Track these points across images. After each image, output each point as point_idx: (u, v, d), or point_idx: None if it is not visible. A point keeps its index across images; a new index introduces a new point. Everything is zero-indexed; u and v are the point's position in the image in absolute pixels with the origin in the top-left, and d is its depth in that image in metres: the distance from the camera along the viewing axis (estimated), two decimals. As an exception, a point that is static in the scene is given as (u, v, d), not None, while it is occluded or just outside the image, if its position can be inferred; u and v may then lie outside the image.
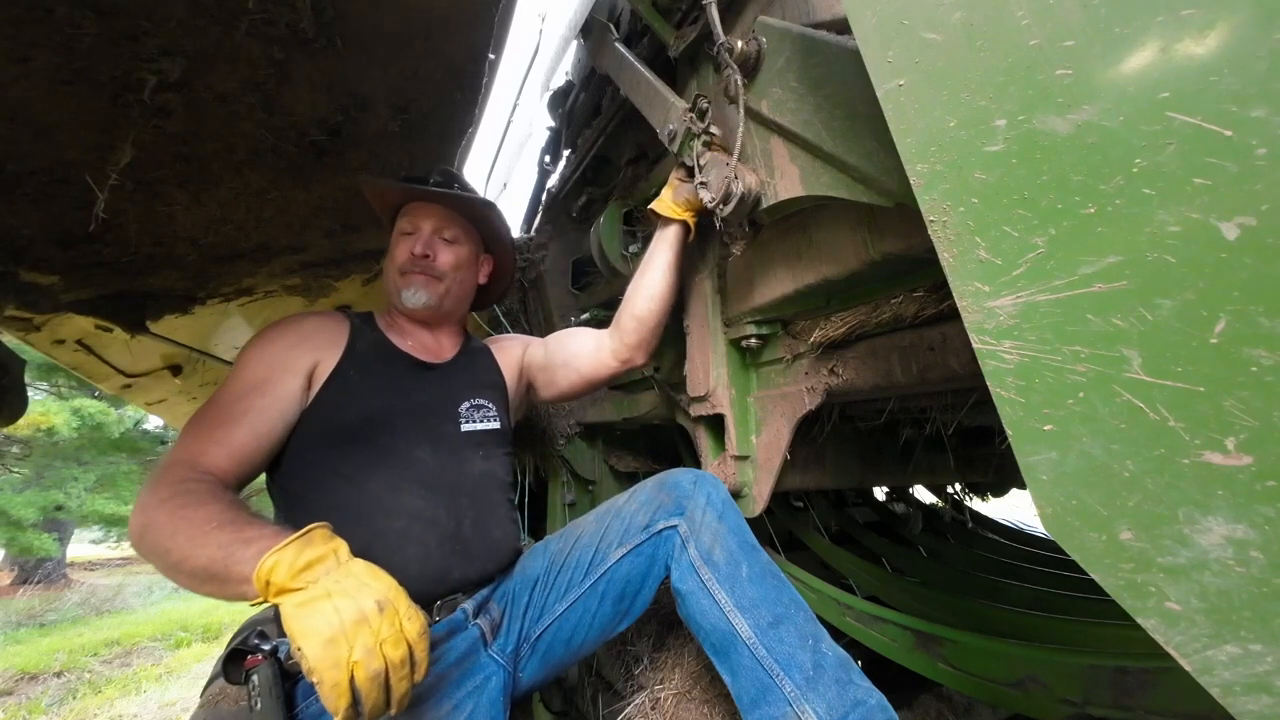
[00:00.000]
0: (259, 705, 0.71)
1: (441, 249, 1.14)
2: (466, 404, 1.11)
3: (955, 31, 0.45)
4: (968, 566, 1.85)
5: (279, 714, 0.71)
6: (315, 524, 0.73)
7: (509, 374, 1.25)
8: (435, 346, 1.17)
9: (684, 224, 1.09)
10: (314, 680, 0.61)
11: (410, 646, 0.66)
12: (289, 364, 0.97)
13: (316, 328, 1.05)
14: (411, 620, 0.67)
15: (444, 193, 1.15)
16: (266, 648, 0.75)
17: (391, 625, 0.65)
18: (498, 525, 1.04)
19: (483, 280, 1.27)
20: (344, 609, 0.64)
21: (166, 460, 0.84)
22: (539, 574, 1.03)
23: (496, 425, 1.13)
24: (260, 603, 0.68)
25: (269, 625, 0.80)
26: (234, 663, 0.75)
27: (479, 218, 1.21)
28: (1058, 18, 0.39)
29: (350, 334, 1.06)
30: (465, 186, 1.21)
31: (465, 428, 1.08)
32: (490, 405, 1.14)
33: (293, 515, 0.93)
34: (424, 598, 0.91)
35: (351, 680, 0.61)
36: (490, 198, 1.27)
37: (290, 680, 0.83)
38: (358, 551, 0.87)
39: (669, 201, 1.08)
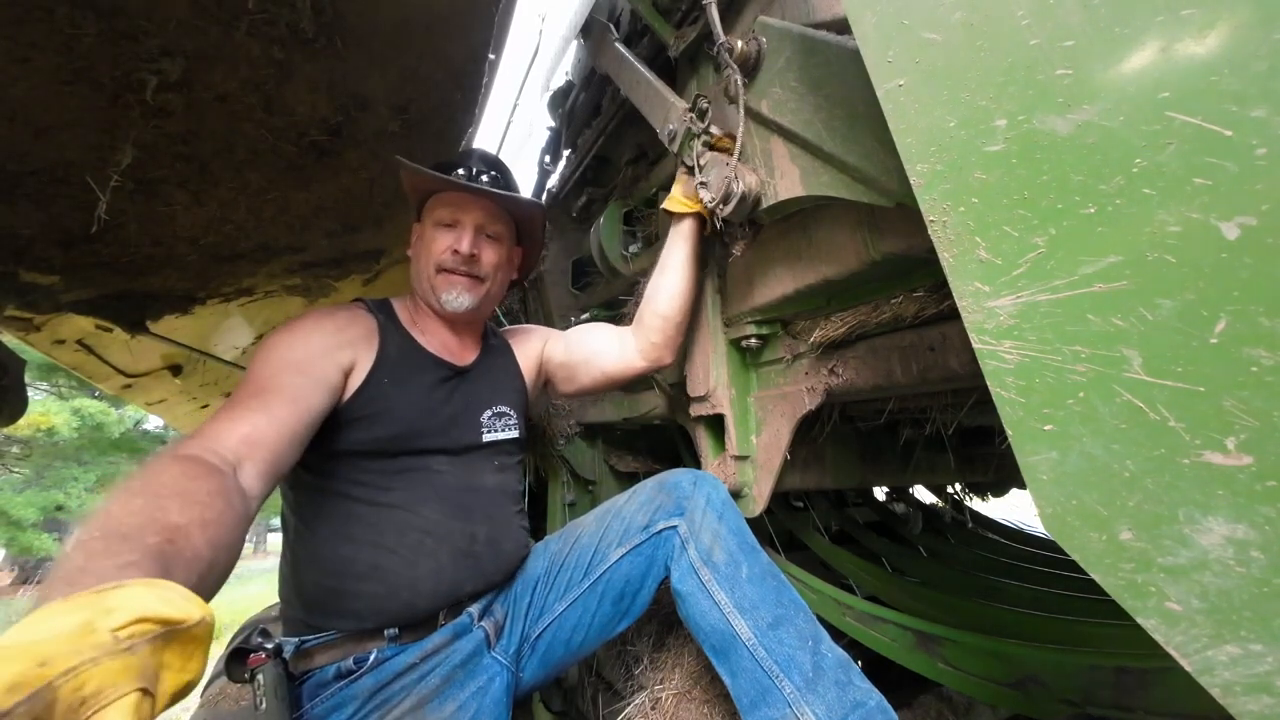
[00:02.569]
0: (264, 705, 0.71)
1: (486, 247, 1.07)
2: (489, 412, 1.07)
3: (955, 31, 0.45)
4: (968, 566, 1.85)
5: (284, 714, 0.72)
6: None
7: (528, 372, 1.21)
8: (459, 347, 1.11)
9: (697, 218, 1.06)
10: None
11: None
12: (330, 351, 0.90)
13: (350, 322, 0.98)
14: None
15: (502, 194, 1.06)
16: (270, 646, 0.75)
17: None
18: (510, 539, 1.03)
19: (514, 275, 1.20)
20: None
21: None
22: (539, 574, 1.03)
23: (515, 434, 1.10)
24: None
25: (271, 624, 0.80)
26: (237, 661, 0.75)
27: (522, 215, 1.14)
28: (1058, 17, 0.39)
29: (379, 334, 1.00)
30: (504, 171, 1.13)
31: (487, 438, 1.05)
32: (511, 412, 1.11)
33: (308, 523, 0.91)
34: (431, 610, 0.91)
35: None
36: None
37: (295, 680, 0.83)
38: (369, 567, 0.86)
39: (679, 197, 1.05)
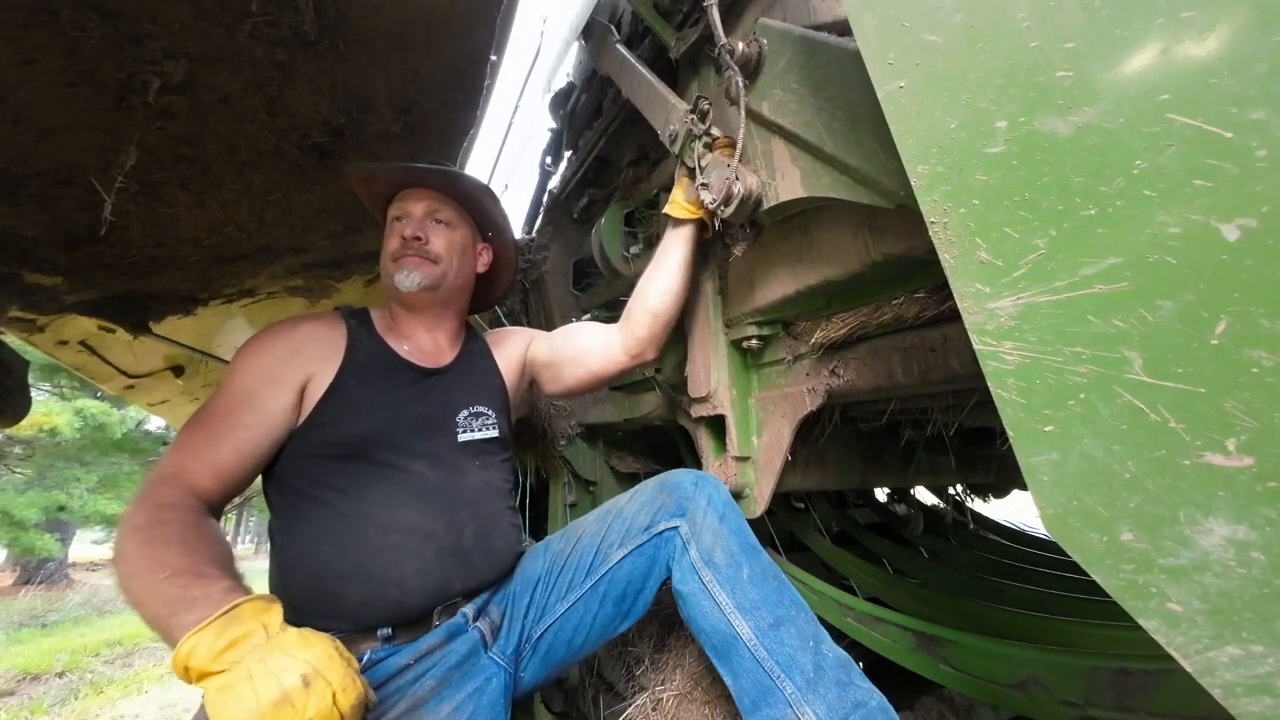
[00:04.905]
0: None
1: (434, 231, 1.10)
2: (464, 412, 1.07)
3: (956, 33, 0.45)
4: (969, 568, 1.85)
5: None
6: (248, 597, 0.69)
7: (510, 373, 1.22)
8: (434, 349, 1.13)
9: (698, 223, 1.08)
10: None
11: None
12: (279, 377, 0.94)
13: (309, 336, 1.01)
14: (347, 691, 0.64)
15: (432, 169, 1.11)
16: None
17: (321, 700, 0.61)
18: (500, 535, 1.03)
19: (481, 269, 1.21)
20: (263, 690, 0.60)
21: (156, 473, 0.84)
22: (540, 575, 1.03)
23: (494, 433, 1.10)
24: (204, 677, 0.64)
25: None
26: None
27: (473, 203, 1.17)
28: (1058, 20, 0.39)
29: (348, 341, 1.02)
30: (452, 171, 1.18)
31: (462, 438, 1.05)
32: (489, 412, 1.11)
33: (288, 526, 0.92)
34: (423, 609, 0.91)
35: None
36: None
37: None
38: (353, 566, 0.88)
39: (681, 202, 1.07)
